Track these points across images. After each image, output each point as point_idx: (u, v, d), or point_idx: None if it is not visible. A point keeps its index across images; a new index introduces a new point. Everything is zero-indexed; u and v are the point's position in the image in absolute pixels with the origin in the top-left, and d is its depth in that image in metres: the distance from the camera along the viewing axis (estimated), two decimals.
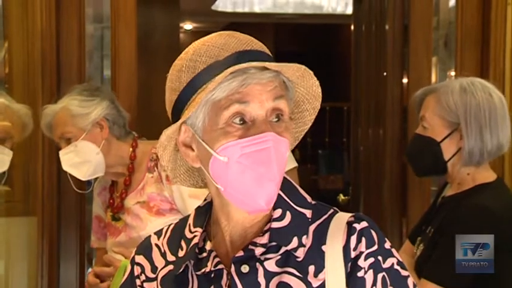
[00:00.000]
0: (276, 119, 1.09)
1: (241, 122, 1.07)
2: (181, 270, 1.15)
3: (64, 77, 2.82)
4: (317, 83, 1.14)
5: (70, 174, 2.31)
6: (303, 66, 1.10)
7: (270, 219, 1.13)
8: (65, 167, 2.27)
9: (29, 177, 2.79)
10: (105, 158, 2.25)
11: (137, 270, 1.23)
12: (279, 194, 1.13)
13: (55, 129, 2.28)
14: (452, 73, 2.99)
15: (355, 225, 1.11)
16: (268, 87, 1.07)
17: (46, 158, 2.75)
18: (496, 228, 1.88)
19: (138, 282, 1.22)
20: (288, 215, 1.13)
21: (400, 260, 1.14)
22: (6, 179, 2.83)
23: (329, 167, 8.55)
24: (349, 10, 6.85)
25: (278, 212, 1.13)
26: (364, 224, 1.12)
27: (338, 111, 8.62)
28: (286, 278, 1.10)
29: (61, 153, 2.27)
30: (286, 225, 1.12)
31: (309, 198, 1.18)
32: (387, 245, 1.13)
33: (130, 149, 2.30)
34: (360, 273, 1.09)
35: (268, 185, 1.06)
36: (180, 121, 1.10)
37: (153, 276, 1.21)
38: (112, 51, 2.88)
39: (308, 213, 1.15)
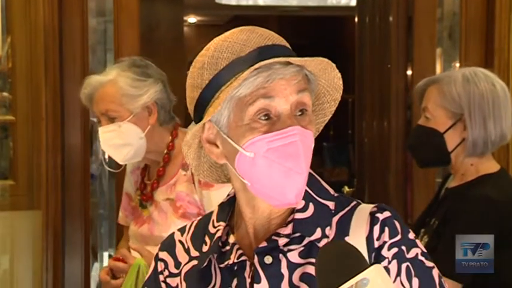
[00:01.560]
0: (300, 113, 1.09)
1: (267, 117, 1.06)
2: (205, 264, 1.14)
3: (67, 71, 2.81)
4: (339, 75, 1.14)
5: (103, 151, 2.17)
6: (326, 60, 1.09)
7: (293, 210, 1.13)
8: (104, 146, 2.13)
9: (33, 170, 2.79)
10: (146, 143, 2.11)
11: (161, 266, 1.22)
12: None
13: (98, 104, 2.10)
14: (457, 64, 2.98)
15: (378, 215, 1.11)
16: (293, 81, 1.07)
17: (50, 151, 2.75)
18: (500, 219, 1.88)
19: (161, 277, 1.22)
20: (311, 206, 1.13)
21: (425, 251, 1.12)
22: (10, 173, 2.84)
23: (334, 159, 8.54)
24: (354, 2, 6.82)
25: (301, 203, 1.12)
26: (387, 213, 1.11)
27: (343, 104, 8.50)
28: (310, 269, 1.09)
29: (101, 130, 2.11)
30: (310, 216, 1.12)
31: (331, 191, 1.17)
32: (411, 235, 1.11)
33: (170, 137, 2.16)
34: (384, 263, 1.08)
35: (297, 178, 1.06)
36: (205, 119, 1.09)
37: (177, 271, 1.20)
38: (115, 45, 2.88)
39: (331, 204, 1.14)
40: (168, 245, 1.24)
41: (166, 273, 1.22)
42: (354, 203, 1.16)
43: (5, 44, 2.81)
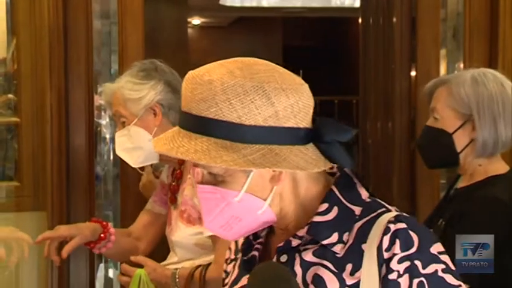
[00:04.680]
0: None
1: None
2: (240, 255, 1.21)
3: (72, 73, 2.82)
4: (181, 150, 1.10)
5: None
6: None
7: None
8: (118, 150, 2.17)
9: (38, 172, 2.80)
10: None
11: (227, 252, 1.29)
12: (331, 189, 1.14)
13: (112, 110, 2.18)
14: (461, 65, 2.97)
15: (391, 225, 1.08)
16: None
17: (55, 152, 2.76)
18: (509, 221, 1.87)
19: (224, 265, 1.30)
20: (335, 210, 1.12)
21: (452, 267, 1.08)
22: (16, 174, 2.85)
23: None
24: (358, 3, 6.82)
25: (324, 206, 1.12)
26: (400, 225, 1.08)
27: (347, 105, 8.60)
28: (321, 271, 1.09)
29: (116, 135, 2.17)
30: (329, 220, 1.11)
31: (364, 195, 1.15)
32: (434, 249, 1.08)
33: None
34: (392, 276, 1.06)
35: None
36: None
37: (234, 257, 1.26)
38: (119, 47, 2.89)
39: (357, 210, 1.13)
40: None
41: (229, 258, 1.28)
42: (382, 209, 1.13)
43: (10, 46, 2.83)
